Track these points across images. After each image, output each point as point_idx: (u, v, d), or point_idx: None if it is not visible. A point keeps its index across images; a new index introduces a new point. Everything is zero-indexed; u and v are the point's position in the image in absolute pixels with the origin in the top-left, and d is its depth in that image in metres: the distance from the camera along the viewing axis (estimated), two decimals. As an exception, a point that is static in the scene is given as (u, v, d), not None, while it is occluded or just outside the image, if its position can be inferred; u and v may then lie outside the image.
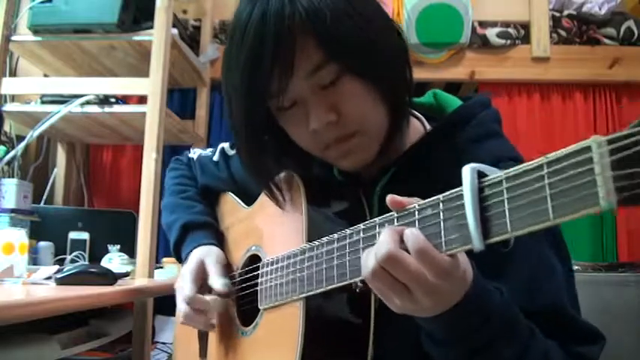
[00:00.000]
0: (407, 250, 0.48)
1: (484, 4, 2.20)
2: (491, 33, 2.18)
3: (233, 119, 0.71)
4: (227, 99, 0.71)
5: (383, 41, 0.66)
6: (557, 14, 2.22)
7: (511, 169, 0.43)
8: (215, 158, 0.99)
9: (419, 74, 2.15)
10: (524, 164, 0.41)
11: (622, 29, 2.18)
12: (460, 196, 0.46)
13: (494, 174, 0.45)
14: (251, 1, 0.65)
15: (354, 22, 0.63)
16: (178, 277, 0.87)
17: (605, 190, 0.35)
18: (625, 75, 2.17)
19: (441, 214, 0.48)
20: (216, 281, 0.81)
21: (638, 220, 2.07)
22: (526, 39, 2.21)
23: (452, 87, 2.36)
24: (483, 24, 2.20)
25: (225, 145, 0.99)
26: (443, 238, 0.48)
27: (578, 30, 2.21)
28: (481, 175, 0.45)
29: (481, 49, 2.20)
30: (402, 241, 0.49)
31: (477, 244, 0.44)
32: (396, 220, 0.53)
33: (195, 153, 1.05)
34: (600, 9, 2.21)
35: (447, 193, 0.48)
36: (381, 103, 0.68)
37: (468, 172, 0.45)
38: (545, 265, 0.65)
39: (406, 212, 0.52)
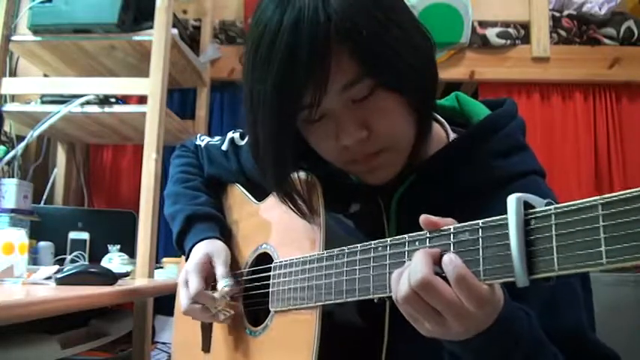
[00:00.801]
0: (440, 275, 0.47)
1: (484, 4, 2.20)
2: (491, 33, 2.18)
3: (258, 132, 0.67)
4: (251, 111, 0.67)
5: (416, 52, 0.64)
6: (557, 14, 2.22)
7: (562, 205, 0.41)
8: (224, 147, 0.95)
9: (419, 74, 2.17)
10: (577, 201, 0.40)
11: (622, 29, 2.18)
12: (503, 226, 0.44)
13: (539, 205, 0.43)
14: (279, 6, 0.61)
15: (388, 31, 0.60)
16: (182, 271, 0.84)
17: None
18: (625, 75, 2.17)
19: (481, 240, 0.46)
20: (220, 282, 0.80)
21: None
22: (526, 39, 2.21)
23: (452, 87, 2.36)
24: (483, 24, 2.20)
25: (235, 134, 0.95)
26: (481, 267, 0.46)
27: (578, 30, 2.21)
28: (527, 205, 0.43)
29: (481, 49, 2.20)
30: (435, 263, 0.48)
31: (521, 278, 0.43)
32: (428, 240, 0.51)
33: (202, 140, 1.01)
34: (600, 9, 2.21)
35: (488, 219, 0.46)
36: (410, 116, 0.66)
37: (513, 202, 0.43)
38: (566, 287, 0.64)
39: (440, 234, 0.50)
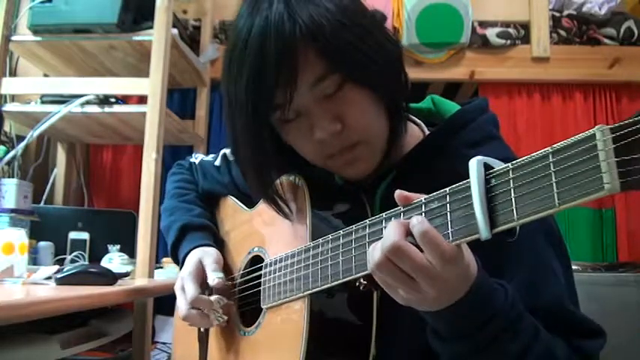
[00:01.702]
0: (413, 243, 0.50)
1: (484, 4, 2.20)
2: (491, 33, 2.18)
3: (236, 134, 0.72)
4: (229, 115, 0.71)
5: (380, 50, 0.67)
6: (557, 14, 2.22)
7: (517, 160, 0.44)
8: (217, 163, 1.00)
9: (419, 74, 2.17)
10: (531, 155, 0.43)
11: (622, 29, 2.18)
12: (467, 188, 0.48)
13: (499, 166, 0.46)
14: (250, 15, 0.65)
15: (353, 34, 0.64)
16: (177, 279, 0.86)
17: (609, 175, 0.37)
18: (625, 75, 2.17)
19: (448, 206, 0.50)
20: (210, 276, 0.82)
21: (638, 220, 2.08)
22: (526, 39, 2.21)
23: (452, 87, 2.36)
24: (483, 24, 2.20)
25: (227, 150, 0.99)
26: (450, 229, 0.49)
27: (578, 30, 2.21)
28: (487, 167, 0.47)
29: (481, 49, 2.20)
30: (407, 234, 0.50)
31: (484, 233, 0.45)
32: (402, 214, 0.54)
33: (197, 158, 1.06)
34: (600, 9, 2.21)
35: (454, 185, 0.49)
36: (381, 111, 0.70)
37: (474, 164, 0.47)
38: (544, 264, 0.66)
39: (412, 206, 0.53)
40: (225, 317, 0.81)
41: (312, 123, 0.68)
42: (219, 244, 0.93)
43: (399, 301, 0.54)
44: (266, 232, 0.83)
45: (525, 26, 2.21)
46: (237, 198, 0.97)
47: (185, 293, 0.82)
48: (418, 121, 0.81)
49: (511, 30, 2.19)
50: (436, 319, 0.56)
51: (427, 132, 0.80)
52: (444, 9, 2.10)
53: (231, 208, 0.97)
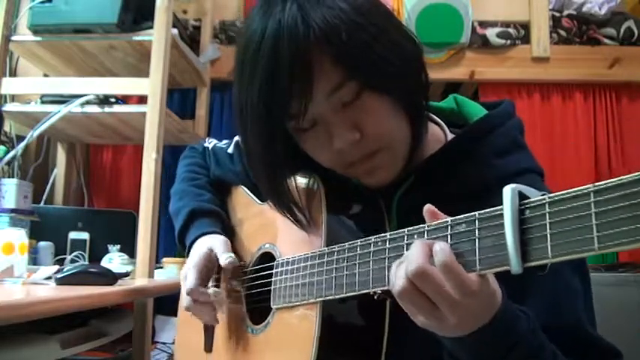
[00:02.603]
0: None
1: (484, 4, 2.20)
2: (491, 33, 2.18)
3: (250, 144, 0.69)
4: (242, 123, 0.68)
5: (398, 50, 0.64)
6: (557, 14, 2.22)
7: (555, 194, 0.42)
8: (230, 150, 0.96)
9: (419, 74, 2.17)
10: (570, 190, 0.41)
11: (622, 29, 2.18)
12: (499, 216, 0.45)
13: (534, 196, 0.44)
14: (263, 18, 0.62)
15: (370, 35, 0.61)
16: (183, 268, 0.85)
17: None
18: (625, 75, 2.17)
19: (477, 232, 0.47)
20: (221, 257, 0.80)
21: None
22: (526, 39, 2.21)
23: (452, 87, 2.36)
24: (483, 24, 2.20)
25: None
26: (477, 256, 0.47)
27: (578, 30, 2.21)
28: (522, 196, 0.45)
29: (481, 49, 2.20)
30: (432, 255, 0.48)
31: (515, 266, 0.43)
32: (426, 233, 0.52)
33: (210, 142, 1.03)
34: (600, 9, 2.21)
35: (485, 211, 0.47)
36: (402, 116, 0.67)
37: (509, 192, 0.44)
38: (566, 285, 0.64)
39: (438, 226, 0.51)
40: (224, 299, 0.80)
41: (330, 132, 0.65)
42: (229, 231, 0.91)
43: (418, 324, 0.52)
44: (278, 229, 0.81)
45: (525, 26, 2.21)
46: (248, 188, 0.94)
47: (186, 284, 0.80)
48: (439, 121, 0.78)
49: (511, 30, 2.19)
50: (457, 345, 0.54)
51: (449, 134, 0.76)
52: (444, 9, 2.10)
53: (242, 198, 0.95)
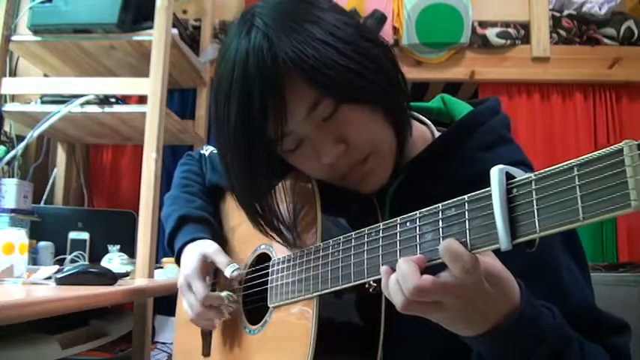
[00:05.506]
0: (429, 265, 0.50)
1: (484, 4, 2.20)
2: (491, 33, 2.18)
3: (234, 178, 0.70)
4: (223, 158, 0.70)
5: (371, 61, 0.64)
6: (557, 14, 2.22)
7: (541, 171, 0.43)
8: None
9: (419, 74, 2.17)
10: (555, 166, 0.42)
11: (622, 29, 2.18)
12: (487, 197, 0.47)
13: (520, 176, 0.45)
14: (234, 44, 0.64)
15: (338, 50, 0.62)
16: (180, 276, 0.86)
17: (636, 193, 0.37)
18: (625, 75, 2.17)
19: (467, 213, 0.48)
20: (227, 270, 0.80)
21: (638, 220, 2.08)
22: (526, 39, 2.21)
23: (452, 87, 2.36)
24: (483, 24, 2.20)
25: None
26: (468, 238, 0.48)
27: (578, 30, 2.22)
28: (509, 177, 0.46)
29: (481, 49, 2.20)
30: (421, 268, 0.50)
31: (505, 243, 0.45)
32: (418, 219, 0.53)
33: (207, 150, 1.04)
34: (600, 9, 2.21)
35: (473, 193, 0.48)
36: (384, 120, 0.68)
37: (496, 172, 0.46)
38: (567, 270, 0.66)
39: (429, 212, 0.52)
40: (232, 306, 0.81)
41: (317, 149, 0.66)
42: (221, 238, 0.92)
43: (434, 320, 0.53)
44: None
45: (525, 26, 2.21)
46: None
47: (194, 293, 0.81)
48: (427, 120, 0.79)
49: (511, 30, 2.20)
50: (480, 344, 0.54)
51: (436, 133, 0.78)
52: (444, 9, 2.10)
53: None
